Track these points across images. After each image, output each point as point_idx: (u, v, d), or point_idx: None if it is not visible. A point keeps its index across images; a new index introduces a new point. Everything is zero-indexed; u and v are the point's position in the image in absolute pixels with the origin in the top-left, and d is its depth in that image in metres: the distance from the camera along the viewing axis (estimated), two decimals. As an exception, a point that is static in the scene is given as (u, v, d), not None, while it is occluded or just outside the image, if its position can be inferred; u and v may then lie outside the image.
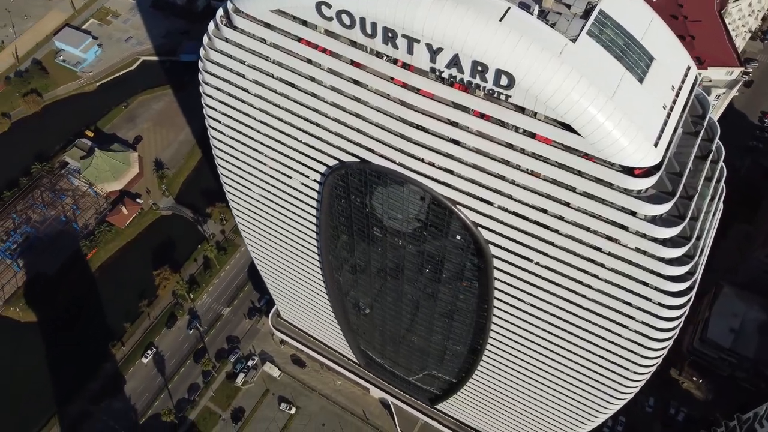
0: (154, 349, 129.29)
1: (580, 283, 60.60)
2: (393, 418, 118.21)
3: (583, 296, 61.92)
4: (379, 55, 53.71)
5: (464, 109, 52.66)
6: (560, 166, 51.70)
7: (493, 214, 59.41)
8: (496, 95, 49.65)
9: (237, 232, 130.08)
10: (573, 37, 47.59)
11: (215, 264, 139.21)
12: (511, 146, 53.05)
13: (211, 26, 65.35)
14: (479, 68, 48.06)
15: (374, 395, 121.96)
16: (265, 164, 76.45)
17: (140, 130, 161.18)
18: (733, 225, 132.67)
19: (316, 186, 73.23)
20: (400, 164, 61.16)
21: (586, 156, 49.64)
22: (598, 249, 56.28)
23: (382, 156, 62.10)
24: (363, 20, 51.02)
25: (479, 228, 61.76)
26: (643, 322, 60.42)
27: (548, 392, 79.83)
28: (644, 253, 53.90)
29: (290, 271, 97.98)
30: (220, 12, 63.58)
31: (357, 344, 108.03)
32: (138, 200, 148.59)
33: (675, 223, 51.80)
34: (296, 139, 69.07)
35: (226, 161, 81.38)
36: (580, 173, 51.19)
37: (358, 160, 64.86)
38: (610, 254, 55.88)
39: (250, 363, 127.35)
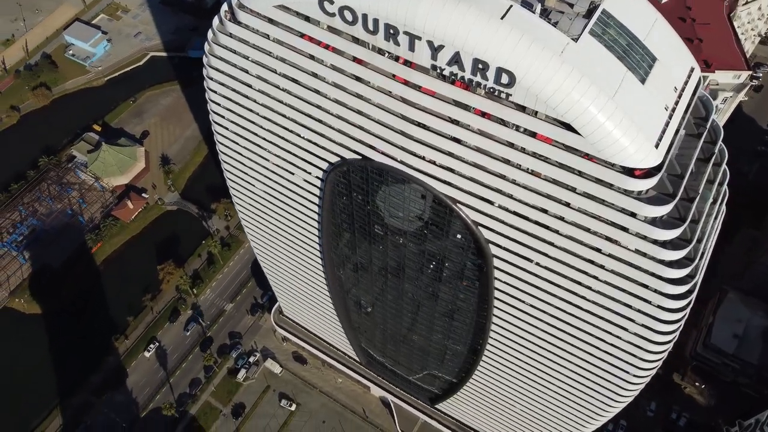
0: (157, 343, 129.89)
1: (580, 284, 60.36)
2: (393, 416, 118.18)
3: (583, 297, 61.67)
4: (381, 51, 53.68)
5: (465, 107, 52.54)
6: (561, 166, 51.48)
7: (494, 213, 59.28)
8: (496, 93, 49.50)
9: (241, 229, 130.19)
10: (575, 37, 47.35)
11: (219, 260, 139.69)
12: (511, 145, 52.90)
13: (215, 21, 65.57)
14: (480, 66, 47.91)
15: (375, 394, 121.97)
16: (267, 160, 76.64)
17: (147, 125, 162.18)
18: (740, 230, 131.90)
19: (318, 183, 73.32)
20: (401, 162, 61.13)
21: (587, 156, 49.41)
22: (599, 250, 56.07)
23: (383, 153, 62.10)
24: (365, 16, 51.02)
25: (480, 227, 61.62)
26: (642, 325, 60.09)
27: (547, 394, 79.58)
28: (644, 255, 53.60)
29: (292, 267, 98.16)
30: (224, 7, 63.71)
31: (358, 342, 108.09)
32: (144, 195, 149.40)
33: (675, 225, 51.50)
34: (298, 135, 69.18)
35: (230, 156, 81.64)
36: (580, 173, 50.96)
37: (360, 157, 64.88)
38: (610, 256, 55.62)
39: (251, 359, 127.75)
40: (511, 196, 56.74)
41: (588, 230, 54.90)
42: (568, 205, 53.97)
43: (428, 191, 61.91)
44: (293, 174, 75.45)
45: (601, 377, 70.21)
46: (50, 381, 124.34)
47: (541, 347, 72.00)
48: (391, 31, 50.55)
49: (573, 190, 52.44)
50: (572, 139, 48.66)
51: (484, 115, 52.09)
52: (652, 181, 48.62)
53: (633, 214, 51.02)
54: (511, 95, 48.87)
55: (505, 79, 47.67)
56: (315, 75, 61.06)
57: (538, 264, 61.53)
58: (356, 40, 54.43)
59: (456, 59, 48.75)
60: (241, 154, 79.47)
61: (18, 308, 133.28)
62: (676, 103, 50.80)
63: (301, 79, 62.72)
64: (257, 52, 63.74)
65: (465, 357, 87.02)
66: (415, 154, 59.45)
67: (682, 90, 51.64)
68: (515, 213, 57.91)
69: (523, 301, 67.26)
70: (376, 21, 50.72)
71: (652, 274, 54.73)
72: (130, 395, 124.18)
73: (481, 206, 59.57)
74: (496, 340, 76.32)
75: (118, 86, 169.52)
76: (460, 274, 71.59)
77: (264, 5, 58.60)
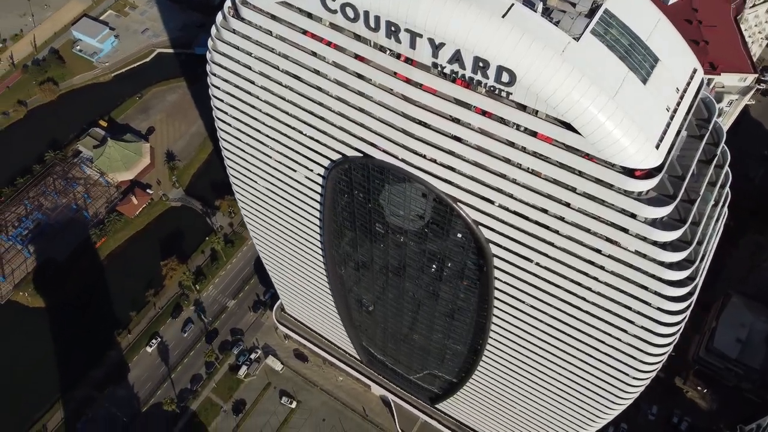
0: (159, 339, 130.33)
1: (580, 285, 60.15)
2: (393, 416, 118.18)
3: (583, 298, 61.49)
4: (382, 49, 53.64)
5: (466, 105, 52.45)
6: (561, 165, 51.31)
7: (494, 212, 59.17)
8: (497, 92, 49.39)
9: (244, 226, 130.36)
10: (576, 36, 47.13)
11: (222, 256, 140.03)
12: (512, 144, 52.78)
13: (219, 18, 65.65)
14: (481, 64, 47.80)
15: (375, 392, 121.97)
16: (270, 157, 76.77)
17: (153, 122, 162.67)
18: (745, 235, 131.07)
19: (320, 180, 73.38)
20: (402, 160, 61.10)
21: (587, 156, 49.22)
22: (598, 251, 55.86)
23: (384, 151, 62.09)
24: (366, 13, 50.97)
25: (480, 227, 61.53)
26: (642, 327, 59.85)
27: (547, 394, 79.39)
28: (644, 256, 53.36)
29: (294, 265, 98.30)
30: (228, 3, 63.84)
31: (359, 341, 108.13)
32: (148, 191, 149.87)
33: (676, 226, 51.21)
34: (300, 132, 69.27)
35: (233, 153, 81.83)
36: (580, 173, 50.78)
37: (361, 154, 64.90)
38: (610, 256, 55.40)
39: (253, 356, 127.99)
40: (511, 196, 56.62)
41: (588, 231, 54.70)
42: (568, 205, 53.79)
43: (429, 190, 61.85)
44: (295, 171, 75.53)
45: (600, 378, 69.97)
46: (53, 374, 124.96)
47: (540, 348, 71.81)
48: (392, 29, 50.51)
49: (573, 190, 52.27)
50: (572, 138, 48.49)
51: (484, 113, 51.99)
52: (652, 182, 48.38)
53: (633, 215, 50.79)
54: (511, 94, 48.75)
55: (505, 77, 47.54)
56: (317, 72, 61.11)
57: (538, 264, 61.37)
58: (358, 37, 54.40)
59: (457, 57, 48.64)
60: (243, 151, 79.63)
61: (22, 301, 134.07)
62: (678, 104, 50.49)
63: (303, 76, 62.76)
64: (260, 48, 63.84)
65: (465, 357, 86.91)
66: (415, 152, 59.43)
67: (684, 91, 51.29)
68: (515, 213, 57.78)
69: (523, 302, 67.11)
70: (377, 18, 50.69)
71: (652, 276, 54.47)
72: (131, 390, 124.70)
73: (481, 205, 59.49)
74: (496, 340, 76.18)
75: (124, 82, 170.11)
76: (460, 274, 71.50)
77: (267, 1, 58.66)
